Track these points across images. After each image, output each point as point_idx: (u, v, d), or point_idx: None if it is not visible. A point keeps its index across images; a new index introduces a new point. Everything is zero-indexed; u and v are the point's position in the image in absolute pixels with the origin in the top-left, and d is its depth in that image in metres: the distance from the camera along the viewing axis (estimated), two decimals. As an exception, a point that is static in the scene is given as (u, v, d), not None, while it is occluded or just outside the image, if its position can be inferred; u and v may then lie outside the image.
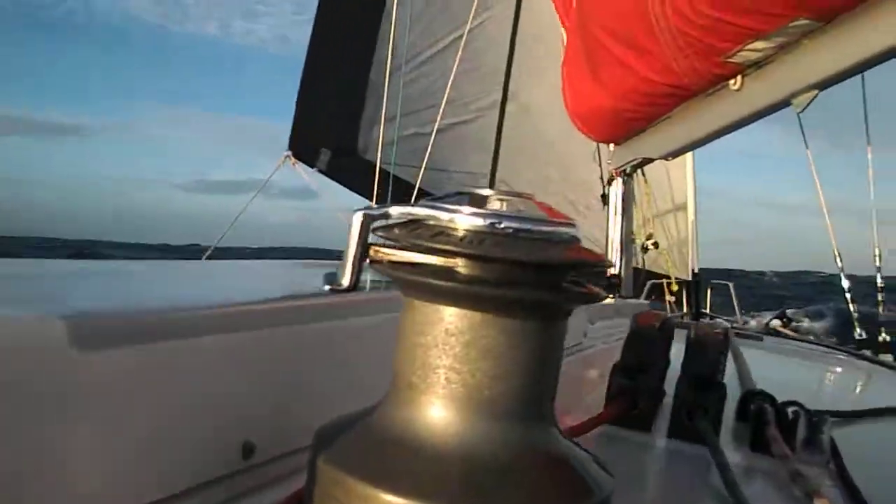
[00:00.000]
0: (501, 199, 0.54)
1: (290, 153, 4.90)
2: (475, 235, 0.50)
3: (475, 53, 5.11)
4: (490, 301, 0.51)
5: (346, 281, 0.54)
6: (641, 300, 3.12)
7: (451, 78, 3.66)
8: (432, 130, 3.82)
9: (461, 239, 0.50)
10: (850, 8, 1.56)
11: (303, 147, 4.99)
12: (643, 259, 3.29)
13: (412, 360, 0.53)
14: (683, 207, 5.07)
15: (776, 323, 3.96)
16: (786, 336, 3.57)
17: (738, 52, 1.82)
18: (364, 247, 0.54)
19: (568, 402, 1.05)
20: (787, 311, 4.62)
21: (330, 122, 5.12)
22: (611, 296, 2.98)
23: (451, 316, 0.52)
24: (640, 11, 1.98)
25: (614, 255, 3.12)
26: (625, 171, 2.91)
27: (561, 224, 0.53)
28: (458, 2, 4.82)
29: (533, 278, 0.52)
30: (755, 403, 0.92)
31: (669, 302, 4.18)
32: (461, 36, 3.83)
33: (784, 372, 1.92)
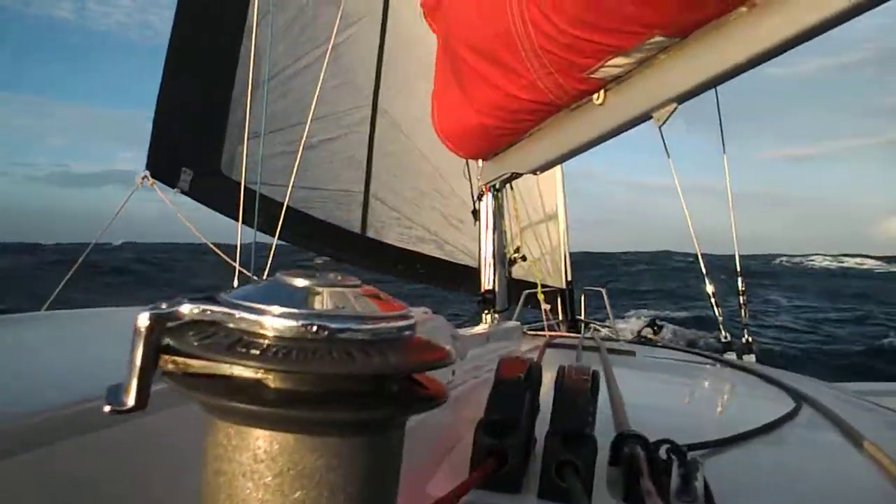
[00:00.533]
0: (320, 290, 0.46)
1: (147, 173, 4.64)
2: (284, 342, 0.42)
3: (344, 69, 5.04)
4: (304, 421, 0.43)
5: (130, 400, 0.43)
6: (515, 320, 3.12)
7: (317, 94, 3.57)
8: (301, 148, 3.72)
9: (266, 348, 0.42)
10: (702, 25, 1.62)
11: (162, 166, 4.73)
12: (510, 272, 3.32)
13: (216, 491, 0.44)
14: (555, 217, 5.19)
15: (647, 331, 4.12)
16: (656, 344, 3.71)
17: (600, 67, 1.85)
18: (152, 357, 0.44)
19: (433, 461, 0.96)
20: (657, 320, 4.81)
21: (192, 139, 4.88)
22: (486, 312, 2.99)
23: (259, 440, 0.43)
24: (504, 31, 1.98)
25: (487, 270, 3.15)
26: (494, 186, 2.94)
27: (390, 318, 0.45)
28: (324, 17, 4.74)
29: (355, 390, 0.44)
30: (628, 446, 0.86)
31: (545, 310, 4.25)
32: (327, 52, 3.75)
33: (657, 395, 1.94)
